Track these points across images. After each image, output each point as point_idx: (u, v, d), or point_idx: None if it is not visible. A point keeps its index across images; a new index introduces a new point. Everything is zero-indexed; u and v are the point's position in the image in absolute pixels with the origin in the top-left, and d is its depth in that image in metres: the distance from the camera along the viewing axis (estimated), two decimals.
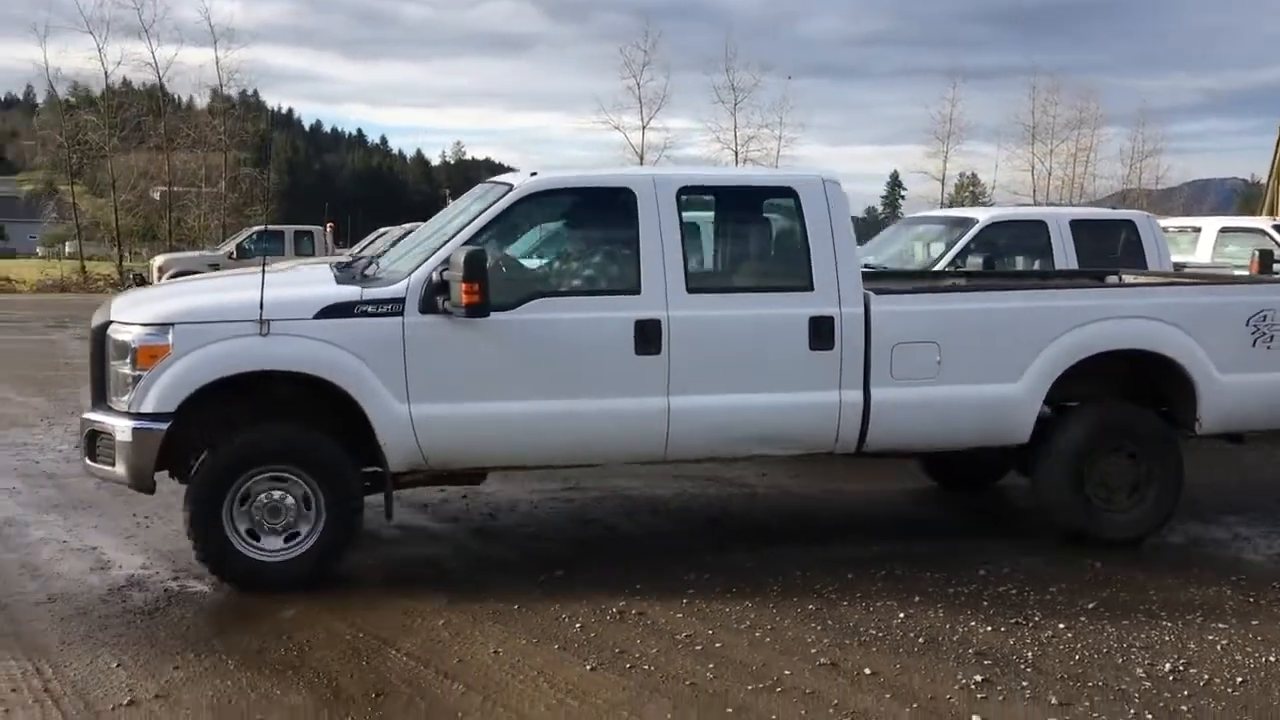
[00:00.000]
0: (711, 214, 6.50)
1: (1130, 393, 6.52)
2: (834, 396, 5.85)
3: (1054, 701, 4.28)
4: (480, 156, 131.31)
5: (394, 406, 5.44)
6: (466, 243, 5.52)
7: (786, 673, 4.53)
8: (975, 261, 8.72)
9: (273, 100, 41.20)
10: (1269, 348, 6.39)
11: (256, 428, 5.49)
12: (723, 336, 5.76)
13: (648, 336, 5.63)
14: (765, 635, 4.95)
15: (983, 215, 9.71)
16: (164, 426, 5.26)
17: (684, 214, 5.82)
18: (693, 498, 7.59)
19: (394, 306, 5.47)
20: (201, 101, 41.79)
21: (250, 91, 40.04)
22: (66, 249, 44.96)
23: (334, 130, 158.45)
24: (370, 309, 5.45)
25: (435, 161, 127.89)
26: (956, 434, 6.20)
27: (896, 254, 10.57)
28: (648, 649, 4.79)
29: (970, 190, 59.92)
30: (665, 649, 4.79)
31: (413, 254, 5.97)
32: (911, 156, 74.99)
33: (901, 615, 5.21)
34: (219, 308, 5.51)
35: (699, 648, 4.80)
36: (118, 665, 4.56)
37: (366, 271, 6.02)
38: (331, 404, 5.47)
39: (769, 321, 5.83)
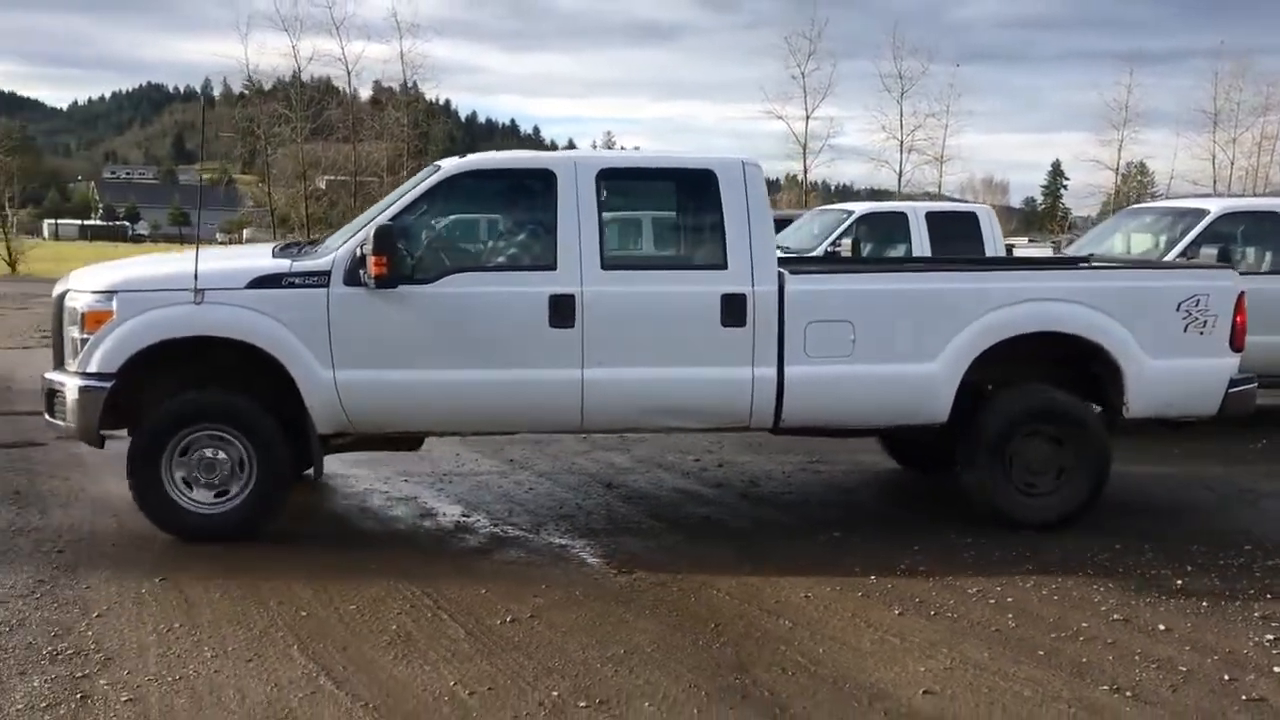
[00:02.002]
0: (632, 195, 6.79)
1: (1066, 378, 6.54)
2: (747, 372, 6.04)
3: None
4: (629, 145, 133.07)
5: (319, 372, 5.84)
6: (392, 219, 5.91)
7: (1084, 625, 4.97)
8: (1209, 253, 8.83)
9: (430, 92, 43.04)
10: (1201, 333, 6.33)
11: (195, 389, 5.94)
12: (635, 312, 6.01)
13: (561, 311, 5.90)
14: (1053, 593, 5.39)
15: (1214, 206, 9.76)
16: (107, 385, 5.73)
17: (604, 195, 6.12)
18: (922, 479, 8.01)
19: (320, 279, 5.85)
20: (365, 94, 43.56)
21: (410, 84, 41.47)
22: (244, 235, 47.69)
23: (488, 121, 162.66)
24: (298, 280, 5.85)
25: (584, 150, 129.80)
26: (873, 412, 6.33)
27: (1115, 246, 10.69)
28: (945, 600, 5.28)
29: (1139, 180, 57.78)
30: (961, 601, 5.28)
31: (348, 231, 6.35)
32: (1073, 144, 72.71)
33: (1179, 582, 5.56)
34: (159, 277, 6.00)
35: (993, 601, 5.27)
36: (485, 592, 5.31)
37: (305, 249, 6.47)
38: (267, 371, 5.88)
39: (681, 298, 6.05)
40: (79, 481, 7.28)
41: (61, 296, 6.08)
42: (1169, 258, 9.60)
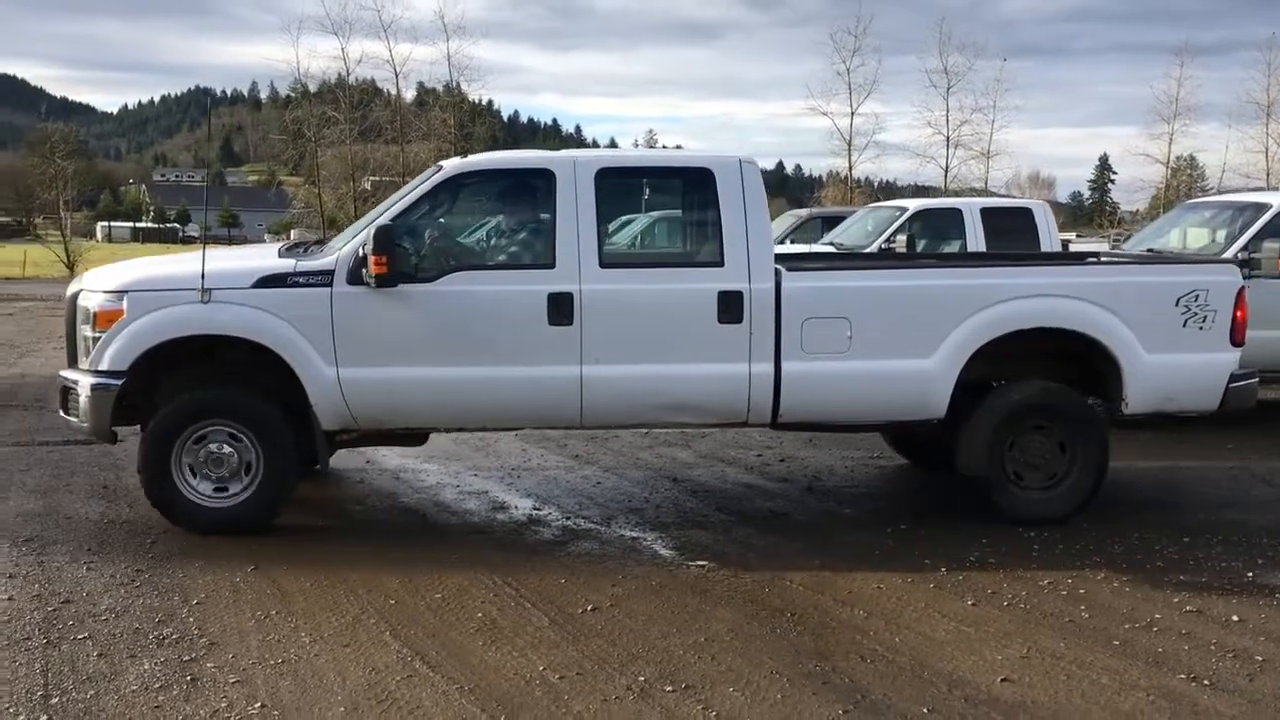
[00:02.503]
0: (630, 194, 6.81)
1: (1067, 373, 6.55)
2: (743, 369, 6.10)
3: None
4: (671, 144, 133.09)
5: (323, 370, 5.93)
6: (393, 219, 6.00)
7: (1156, 616, 5.03)
8: (1272, 248, 8.77)
9: (475, 93, 43.49)
10: (1201, 329, 6.29)
11: (205, 386, 6.10)
12: (633, 309, 6.08)
13: (560, 309, 5.98)
14: (1123, 586, 5.45)
15: (1276, 200, 9.66)
16: (118, 383, 5.86)
17: (603, 194, 6.15)
18: None
19: (324, 278, 5.95)
20: (409, 95, 43.97)
21: (455, 85, 41.86)
22: (292, 236, 48.35)
23: (531, 120, 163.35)
24: (302, 280, 5.95)
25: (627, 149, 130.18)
26: (871, 407, 6.36)
27: (1172, 241, 10.64)
28: (1017, 591, 5.36)
29: (1188, 174, 56.92)
30: (1033, 592, 5.35)
31: (352, 231, 6.45)
32: (1120, 138, 71.74)
33: (1250, 574, 5.61)
34: (168, 277, 6.11)
35: (1064, 593, 5.34)
36: (564, 581, 5.45)
37: (311, 249, 6.56)
38: (273, 368, 5.97)
39: (678, 295, 6.11)
40: None
41: (75, 296, 6.24)
42: (1228, 253, 9.55)
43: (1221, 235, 10.10)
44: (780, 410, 6.24)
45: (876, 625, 4.92)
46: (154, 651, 4.48)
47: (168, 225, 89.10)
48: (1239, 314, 6.42)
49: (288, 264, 6.07)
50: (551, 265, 6.07)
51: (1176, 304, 6.32)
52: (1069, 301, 6.28)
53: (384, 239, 5.76)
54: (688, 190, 6.69)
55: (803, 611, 5.08)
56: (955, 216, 13.05)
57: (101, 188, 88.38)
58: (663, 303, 6.12)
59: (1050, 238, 12.76)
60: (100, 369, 5.92)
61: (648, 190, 6.98)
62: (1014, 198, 29.79)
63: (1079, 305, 6.27)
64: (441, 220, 6.42)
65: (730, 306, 6.07)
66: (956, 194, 38.21)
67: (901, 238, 12.32)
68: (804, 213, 19.03)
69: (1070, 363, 6.60)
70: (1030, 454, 6.38)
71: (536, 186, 6.31)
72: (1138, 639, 4.76)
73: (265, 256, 6.51)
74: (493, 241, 6.72)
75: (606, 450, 8.52)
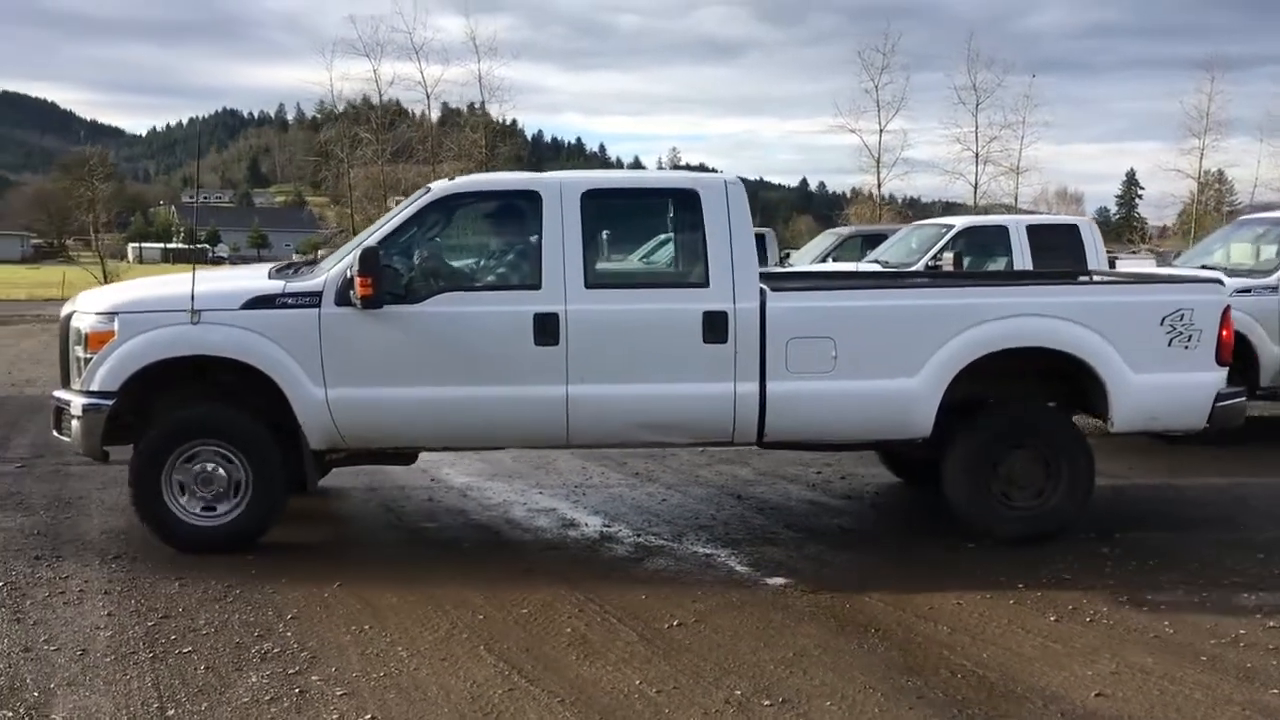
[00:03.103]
0: (616, 215, 6.81)
1: (1055, 391, 6.60)
2: (729, 388, 6.12)
3: None
4: (694, 162, 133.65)
5: (312, 390, 5.98)
6: (381, 241, 6.06)
7: (1241, 631, 5.05)
8: None
9: (504, 112, 43.99)
10: (1186, 348, 6.30)
11: (197, 406, 6.16)
12: (618, 329, 6.10)
13: (546, 329, 6.02)
14: (1204, 601, 5.47)
15: None
16: (109, 403, 5.93)
17: (589, 216, 6.19)
18: None
19: (312, 299, 6.00)
20: (434, 115, 44.40)
21: (479, 105, 42.29)
22: (319, 255, 48.83)
23: (554, 140, 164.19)
24: (291, 301, 6.01)
25: (651, 169, 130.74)
26: (856, 427, 6.39)
27: (1223, 257, 10.65)
28: (1097, 607, 5.39)
29: (1217, 188, 56.57)
30: (1113, 608, 5.38)
31: (342, 252, 6.45)
32: (1146, 153, 71.46)
33: None
34: (158, 299, 6.17)
35: (1144, 608, 5.37)
36: (646, 597, 5.52)
37: (301, 270, 6.61)
38: (263, 389, 6.02)
39: (663, 316, 6.13)
40: None
41: (68, 317, 6.31)
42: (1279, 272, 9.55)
43: (1275, 251, 10.10)
44: (765, 430, 6.27)
45: (962, 641, 4.96)
46: (258, 665, 4.58)
47: (198, 246, 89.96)
48: (1224, 333, 6.43)
49: (277, 285, 6.14)
50: (538, 286, 6.11)
51: (1161, 323, 6.33)
52: (1053, 321, 6.30)
53: (369, 261, 5.82)
54: (673, 211, 6.72)
55: (887, 627, 5.13)
56: (1001, 234, 13.09)
57: (132, 209, 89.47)
58: (648, 323, 6.15)
59: (1097, 254, 12.77)
60: (91, 389, 5.99)
61: (633, 211, 7.00)
62: (1038, 213, 29.80)
63: (1063, 325, 6.29)
64: (429, 241, 6.47)
65: (715, 326, 6.11)
66: (985, 210, 38.18)
67: (949, 255, 12.36)
68: (845, 231, 19.10)
69: (1057, 381, 6.64)
70: (1015, 473, 6.42)
71: (523, 208, 6.37)
72: (1225, 654, 4.78)
73: (255, 278, 6.60)
74: (480, 262, 6.78)
75: (666, 468, 8.60)
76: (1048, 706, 4.28)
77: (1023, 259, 12.72)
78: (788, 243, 31.63)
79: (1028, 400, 6.71)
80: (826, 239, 17.85)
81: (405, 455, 6.71)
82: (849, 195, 56.44)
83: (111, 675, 4.46)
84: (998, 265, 12.96)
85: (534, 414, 6.14)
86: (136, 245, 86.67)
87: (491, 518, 7.17)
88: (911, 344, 6.23)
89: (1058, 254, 12.54)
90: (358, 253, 5.88)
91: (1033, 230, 13.06)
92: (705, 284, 6.18)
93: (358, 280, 5.81)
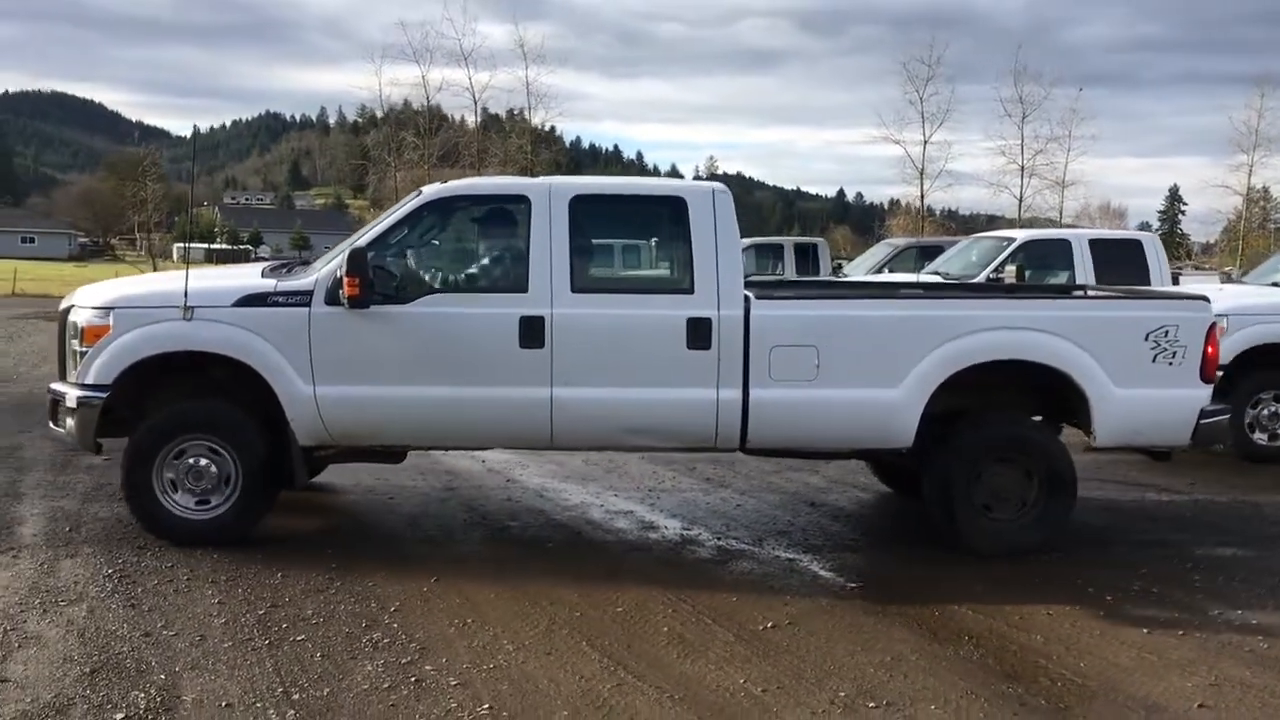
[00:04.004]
0: (604, 221, 6.86)
1: (1037, 404, 6.64)
2: (711, 394, 6.16)
3: None
4: (731, 171, 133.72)
5: (300, 387, 6.07)
6: (371, 243, 6.16)
7: None
8: None
9: (539, 118, 44.21)
10: (1171, 364, 6.29)
11: (185, 403, 6.24)
12: (604, 334, 6.16)
13: (532, 332, 6.08)
14: None
15: None
16: (103, 396, 6.05)
17: (577, 221, 6.26)
18: (1128, 501, 8.10)
19: (302, 298, 6.10)
20: (471, 121, 44.73)
21: (519, 112, 42.57)
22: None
23: (592, 147, 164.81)
24: (282, 300, 6.10)
25: (689, 176, 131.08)
26: (837, 435, 6.43)
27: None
28: (1189, 620, 5.41)
29: (1262, 205, 55.90)
30: (1204, 622, 5.40)
31: (334, 253, 6.55)
32: (1190, 169, 70.66)
33: None
34: (152, 295, 6.31)
35: (1236, 623, 5.39)
36: (736, 599, 5.61)
37: (294, 269, 6.71)
38: (253, 385, 6.10)
39: (648, 321, 6.19)
40: (342, 489, 7.80)
41: (66, 311, 6.44)
42: None
43: None
44: (748, 436, 6.31)
45: (1057, 650, 5.00)
46: (371, 654, 4.71)
47: (240, 247, 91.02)
48: (1210, 350, 6.42)
49: (269, 284, 6.25)
50: (525, 289, 6.19)
51: (1146, 339, 6.34)
52: (1035, 334, 6.31)
53: (356, 261, 5.91)
54: (660, 218, 6.76)
55: (980, 635, 5.18)
56: (1064, 248, 13.07)
57: (178, 210, 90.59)
58: (633, 328, 6.22)
59: (1161, 270, 12.73)
60: (86, 382, 6.12)
61: (620, 217, 7.07)
62: (1080, 228, 29.60)
63: (1045, 338, 6.30)
64: (419, 243, 6.58)
65: (699, 333, 6.17)
66: (1029, 224, 37.97)
67: (1011, 268, 12.36)
68: (901, 242, 19.11)
69: (1040, 394, 6.67)
70: (998, 486, 6.43)
71: (512, 212, 6.45)
72: None
73: (248, 276, 6.73)
74: (468, 265, 6.85)
75: (736, 474, 8.67)
76: (1150, 716, 4.32)
77: (1085, 273, 12.70)
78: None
79: (1011, 413, 6.75)
80: (882, 249, 17.88)
81: (393, 454, 6.81)
82: (886, 206, 56.23)
83: (232, 660, 4.61)
84: (1059, 279, 12.93)
85: (519, 416, 6.21)
86: (182, 246, 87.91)
87: (571, 518, 7.28)
88: (894, 354, 6.27)
89: (1121, 269, 12.51)
90: (345, 253, 6.01)
91: (1095, 245, 13.03)
92: (690, 290, 6.25)
93: (345, 281, 5.92)
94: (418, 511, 7.33)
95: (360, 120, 47.01)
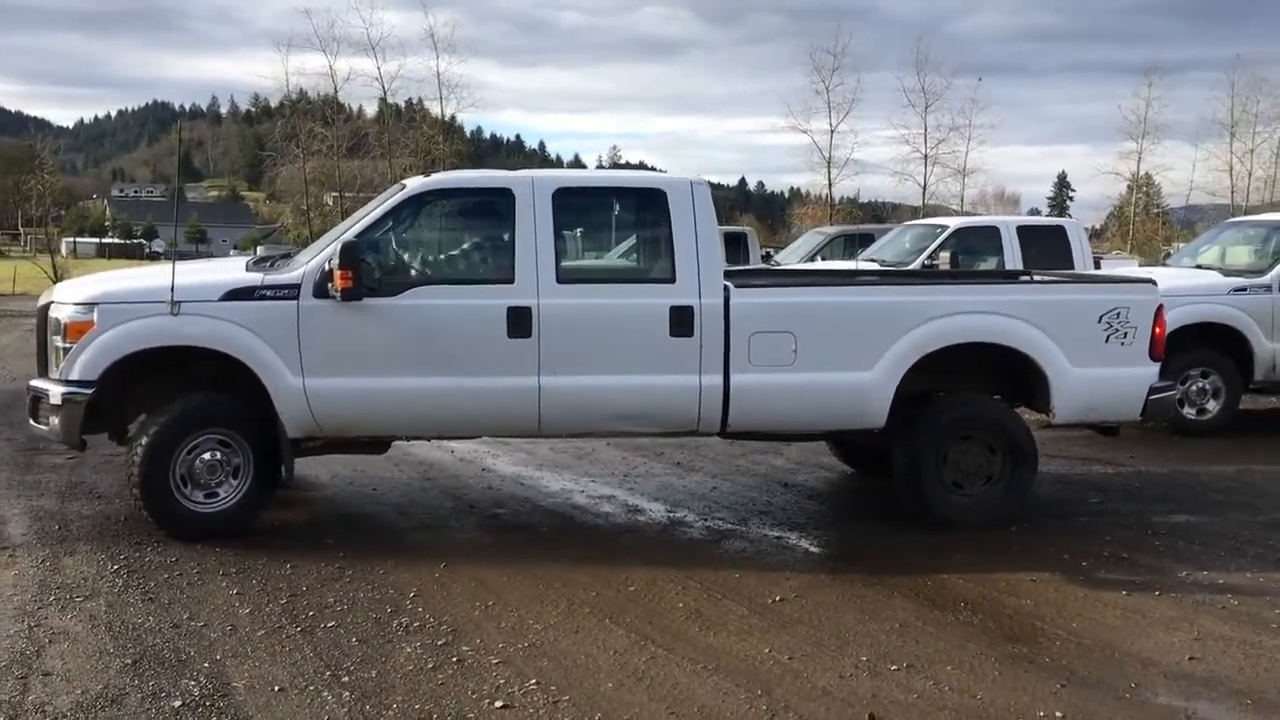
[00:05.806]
0: (586, 213, 7.17)
1: (1001, 385, 7.10)
2: (694, 380, 6.39)
3: None
4: (634, 160, 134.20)
5: (289, 380, 6.13)
6: (358, 235, 6.25)
7: None
8: None
9: (444, 109, 43.79)
10: (1122, 344, 6.74)
11: (204, 395, 6.25)
12: (589, 323, 6.34)
13: (519, 322, 6.23)
14: (1257, 575, 5.91)
15: None
16: (88, 392, 6.03)
17: (560, 213, 6.44)
18: (1077, 474, 8.55)
19: (290, 291, 6.16)
20: (370, 110, 44.10)
21: (416, 101, 42.24)
22: (259, 251, 48.34)
23: (493, 136, 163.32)
24: (269, 293, 6.16)
25: (592, 166, 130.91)
26: (815, 418, 6.75)
27: (1213, 258, 11.20)
28: (1162, 581, 5.80)
29: (1145, 192, 58.21)
30: (1175, 583, 5.80)
31: (318, 246, 6.67)
32: (1078, 156, 73.09)
33: None
34: (137, 290, 6.32)
35: (1205, 583, 5.79)
36: (739, 575, 5.82)
37: (278, 263, 6.81)
38: (241, 378, 6.16)
39: (632, 310, 6.40)
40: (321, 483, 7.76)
41: (45, 308, 6.41)
42: (1275, 271, 10.12)
43: (1269, 250, 10.63)
44: (729, 420, 6.53)
45: (1049, 612, 5.33)
46: (405, 638, 4.80)
47: (133, 241, 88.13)
48: (1158, 330, 6.89)
49: (255, 278, 6.29)
50: (510, 280, 6.31)
51: (1099, 320, 6.73)
52: (999, 318, 6.67)
53: (349, 254, 5.99)
54: (641, 210, 6.94)
55: (974, 601, 5.48)
56: (993, 234, 13.60)
57: (67, 203, 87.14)
58: (617, 317, 6.39)
59: (1083, 255, 13.33)
60: (70, 379, 6.08)
61: (602, 209, 7.30)
62: (978, 214, 30.62)
63: (1008, 321, 6.66)
64: (405, 236, 6.68)
65: (681, 321, 6.36)
66: (932, 212, 39.02)
67: (945, 254, 12.81)
68: (831, 230, 19.57)
69: (1003, 375, 7.05)
70: (961, 461, 6.76)
71: (497, 205, 6.55)
72: None
73: (233, 270, 6.75)
74: (454, 257, 6.94)
75: (704, 458, 8.89)
76: (1147, 669, 4.66)
77: (1014, 258, 13.22)
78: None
79: (975, 393, 7.11)
80: (814, 238, 18.30)
81: (379, 444, 6.87)
82: (788, 195, 57.05)
83: (271, 647, 4.65)
84: (988, 265, 13.44)
85: (507, 404, 6.33)
86: (71, 240, 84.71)
87: (557, 503, 7.41)
88: (867, 339, 6.55)
89: (1046, 254, 13.05)
90: (338, 246, 6.05)
91: (1023, 231, 13.59)
92: (672, 279, 6.43)
93: (338, 273, 5.97)
94: (404, 501, 7.38)
95: (254, 110, 45.92)
